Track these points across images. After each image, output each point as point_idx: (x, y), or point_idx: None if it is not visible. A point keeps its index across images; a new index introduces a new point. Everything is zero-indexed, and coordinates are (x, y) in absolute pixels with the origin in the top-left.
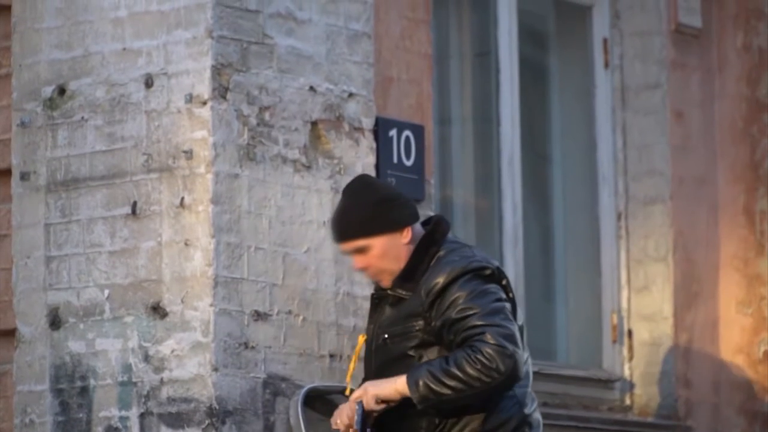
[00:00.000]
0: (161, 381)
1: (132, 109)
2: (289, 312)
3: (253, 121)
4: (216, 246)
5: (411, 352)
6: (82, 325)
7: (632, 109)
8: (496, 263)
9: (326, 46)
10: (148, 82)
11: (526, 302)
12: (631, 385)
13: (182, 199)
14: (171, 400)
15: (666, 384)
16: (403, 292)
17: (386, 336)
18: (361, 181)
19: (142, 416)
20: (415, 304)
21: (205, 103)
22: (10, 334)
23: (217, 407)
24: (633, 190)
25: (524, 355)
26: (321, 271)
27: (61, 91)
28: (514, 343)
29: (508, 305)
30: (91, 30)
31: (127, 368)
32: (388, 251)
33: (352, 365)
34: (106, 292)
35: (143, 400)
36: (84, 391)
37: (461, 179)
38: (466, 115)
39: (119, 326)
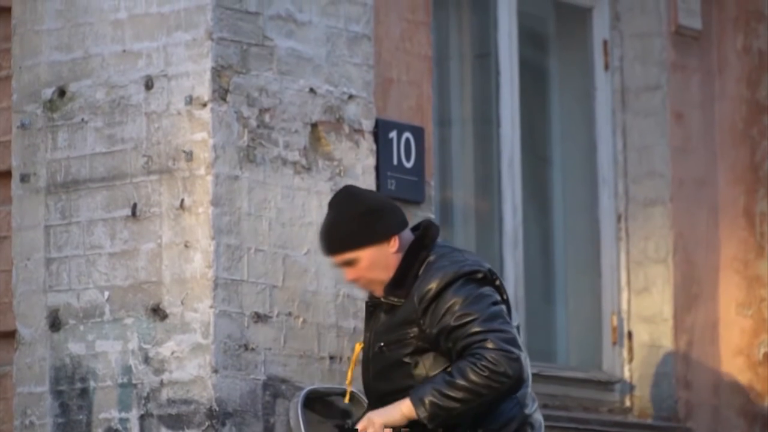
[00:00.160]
0: (161, 383)
1: (132, 111)
2: (289, 314)
3: (253, 122)
4: (216, 248)
5: (406, 359)
6: (82, 327)
7: (632, 110)
8: (488, 265)
9: (326, 48)
10: (148, 84)
11: (526, 304)
12: (631, 387)
13: (182, 200)
14: (171, 402)
15: (666, 386)
16: (395, 300)
17: (382, 344)
18: (345, 192)
19: (142, 418)
20: (408, 311)
21: (205, 105)
22: (10, 335)
23: (217, 409)
24: (633, 191)
25: (523, 354)
26: (321, 272)
27: (61, 92)
28: (517, 346)
29: (504, 307)
30: (91, 32)
31: (127, 370)
32: (377, 262)
33: (350, 374)
34: (106, 293)
35: (143, 401)
36: (84, 392)
37: (461, 181)
38: (466, 116)
39: (119, 328)
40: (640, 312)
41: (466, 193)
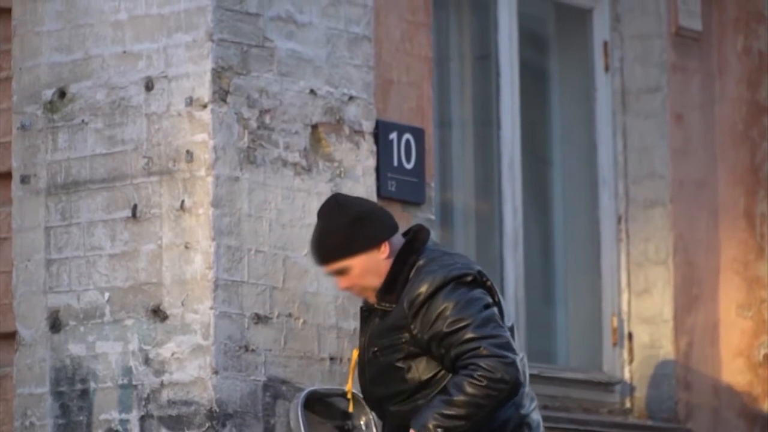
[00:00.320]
0: (161, 384)
1: (132, 112)
2: (290, 315)
3: (254, 124)
4: (216, 249)
5: (399, 364)
6: (82, 328)
7: (632, 112)
8: (477, 267)
9: (326, 49)
10: (149, 85)
11: (526, 305)
12: (632, 388)
13: (182, 202)
14: (171, 403)
15: (666, 387)
16: (387, 305)
17: (375, 349)
18: (333, 201)
19: (142, 419)
20: (399, 316)
21: (205, 106)
22: (11, 337)
23: (218, 410)
24: (633, 193)
25: (520, 353)
26: (321, 274)
27: (62, 94)
28: (511, 350)
29: (496, 310)
30: (92, 33)
31: (128, 371)
32: (368, 269)
33: (350, 381)
34: (107, 295)
35: (143, 403)
36: (84, 394)
37: (461, 182)
38: (467, 118)
39: (119, 329)
40: (641, 313)
41: (466, 195)
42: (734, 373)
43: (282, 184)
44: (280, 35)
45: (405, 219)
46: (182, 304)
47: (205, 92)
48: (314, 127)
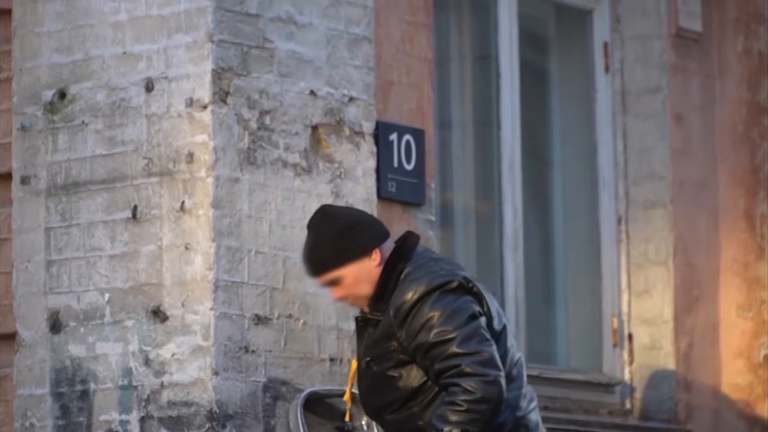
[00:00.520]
0: (162, 385)
1: (132, 113)
2: (290, 316)
3: (254, 125)
4: (216, 250)
5: (390, 373)
6: (82, 329)
7: (633, 113)
8: (463, 273)
9: (327, 50)
10: (149, 86)
11: (526, 306)
12: (632, 389)
13: (183, 203)
14: (171, 404)
15: (666, 388)
16: (378, 314)
17: (368, 359)
18: (322, 213)
19: (142, 420)
20: (387, 324)
21: (205, 107)
22: (11, 337)
23: (218, 411)
24: (633, 193)
25: (516, 355)
26: None
27: (62, 95)
28: (494, 367)
29: (483, 320)
30: (92, 34)
31: (128, 372)
32: (361, 277)
33: (348, 392)
34: (107, 295)
35: (144, 403)
36: (84, 394)
37: (462, 183)
38: (467, 118)
39: (119, 330)
40: (641, 314)
41: (466, 195)
42: (734, 374)
43: (282, 185)
44: (281, 36)
45: (405, 220)
46: (182, 305)
47: (205, 93)
48: (314, 128)
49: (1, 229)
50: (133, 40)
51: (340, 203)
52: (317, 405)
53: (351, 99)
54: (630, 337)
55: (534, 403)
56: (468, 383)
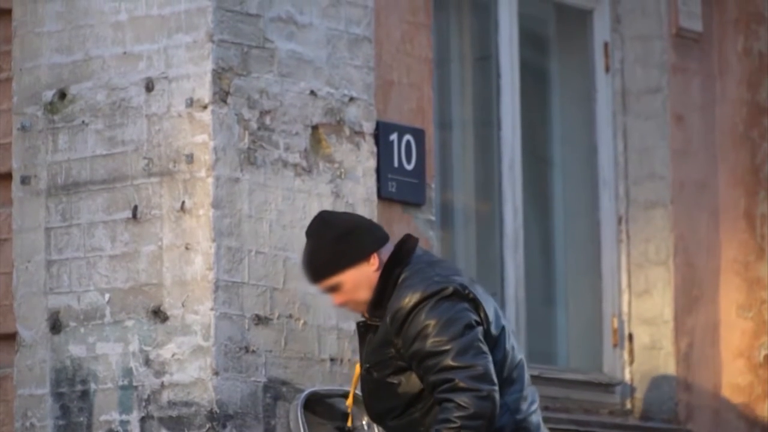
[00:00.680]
0: (162, 385)
1: (133, 113)
2: (290, 316)
3: (254, 125)
4: (217, 250)
5: (390, 380)
6: (82, 329)
7: (633, 113)
8: (459, 279)
9: (327, 50)
10: (149, 86)
11: (526, 306)
12: (632, 389)
13: (183, 203)
14: (172, 404)
15: (666, 388)
16: (377, 320)
17: (368, 365)
18: (319, 219)
19: (142, 420)
20: (384, 331)
21: (205, 107)
22: (11, 338)
23: (218, 411)
24: (634, 194)
25: (517, 357)
26: None
27: (62, 95)
28: (488, 381)
29: (479, 330)
30: (92, 34)
31: (128, 372)
32: (360, 282)
33: (350, 397)
34: (107, 296)
35: (144, 403)
36: (85, 394)
37: (462, 183)
38: (467, 119)
39: (120, 330)
40: (641, 314)
41: (466, 196)
42: (735, 374)
43: (282, 185)
44: (281, 36)
45: (405, 220)
46: (182, 305)
47: (205, 93)
48: (314, 128)
49: (2, 229)
50: (134, 40)
51: (341, 203)
52: (317, 405)
53: (351, 99)
54: (630, 337)
55: (535, 405)
56: (461, 399)
